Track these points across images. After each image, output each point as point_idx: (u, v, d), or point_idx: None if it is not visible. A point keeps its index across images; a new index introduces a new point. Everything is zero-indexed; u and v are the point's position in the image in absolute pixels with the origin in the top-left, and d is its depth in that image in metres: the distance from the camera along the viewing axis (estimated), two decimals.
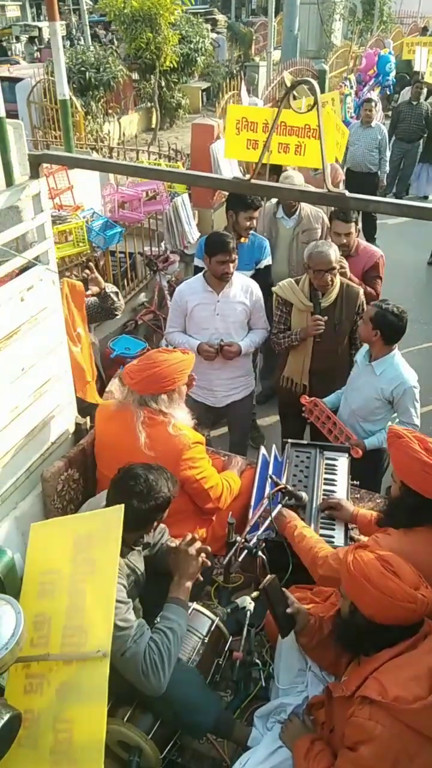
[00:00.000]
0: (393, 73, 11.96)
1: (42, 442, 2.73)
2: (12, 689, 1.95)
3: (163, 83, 12.90)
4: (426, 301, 6.89)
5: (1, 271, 2.35)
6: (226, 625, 2.38)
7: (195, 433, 2.72)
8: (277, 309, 3.71)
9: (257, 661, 2.35)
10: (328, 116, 4.96)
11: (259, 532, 2.46)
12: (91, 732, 1.77)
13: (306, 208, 4.44)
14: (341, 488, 2.78)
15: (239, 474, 2.99)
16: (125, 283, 5.58)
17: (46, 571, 2.07)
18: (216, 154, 5.64)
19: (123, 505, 1.99)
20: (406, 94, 9.83)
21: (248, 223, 3.97)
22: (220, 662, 2.35)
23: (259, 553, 2.45)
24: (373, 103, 7.82)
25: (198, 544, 2.31)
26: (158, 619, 2.16)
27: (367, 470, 3.18)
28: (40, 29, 21.36)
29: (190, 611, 2.28)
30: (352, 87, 10.47)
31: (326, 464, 2.89)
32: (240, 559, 2.44)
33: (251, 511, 2.69)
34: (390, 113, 10.07)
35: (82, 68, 11.22)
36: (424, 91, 9.09)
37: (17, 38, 21.83)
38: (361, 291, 3.61)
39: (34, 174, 2.42)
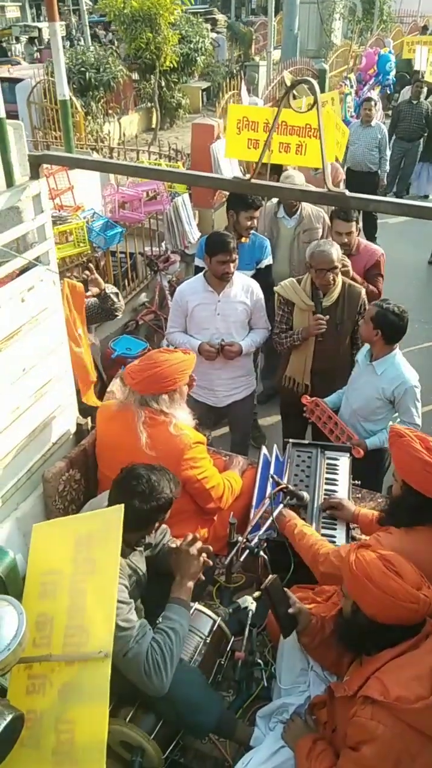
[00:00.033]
0: (393, 72, 11.93)
1: (43, 443, 2.73)
2: (14, 690, 1.95)
3: (163, 83, 12.90)
4: (427, 301, 6.89)
5: (1, 271, 2.35)
6: (228, 625, 2.38)
7: (196, 433, 2.72)
8: (279, 308, 3.70)
9: (259, 661, 2.35)
10: (328, 115, 4.96)
11: (261, 532, 2.45)
12: (93, 732, 1.77)
13: (307, 207, 4.44)
14: (342, 488, 2.78)
15: (240, 474, 2.99)
16: (126, 284, 5.59)
17: (48, 572, 2.07)
18: (216, 153, 5.64)
19: (123, 505, 1.99)
20: (406, 93, 9.83)
21: (249, 223, 3.96)
22: (222, 662, 2.35)
23: (261, 553, 2.45)
24: (372, 103, 7.82)
25: (199, 544, 2.31)
26: (160, 619, 2.16)
27: (368, 470, 3.17)
28: (39, 30, 21.36)
29: (192, 611, 2.28)
30: (352, 86, 10.45)
31: (327, 464, 2.89)
32: (241, 559, 2.44)
33: (252, 510, 2.69)
34: (390, 112, 10.07)
35: (82, 68, 11.23)
36: (424, 90, 9.09)
37: (17, 39, 21.80)
38: (363, 291, 3.61)
39: (35, 174, 2.42)
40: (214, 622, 2.33)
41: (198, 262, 4.06)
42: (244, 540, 2.44)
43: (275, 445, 3.02)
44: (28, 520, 2.51)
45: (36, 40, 21.52)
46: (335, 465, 2.90)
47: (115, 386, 3.10)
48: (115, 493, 2.22)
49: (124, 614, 2.02)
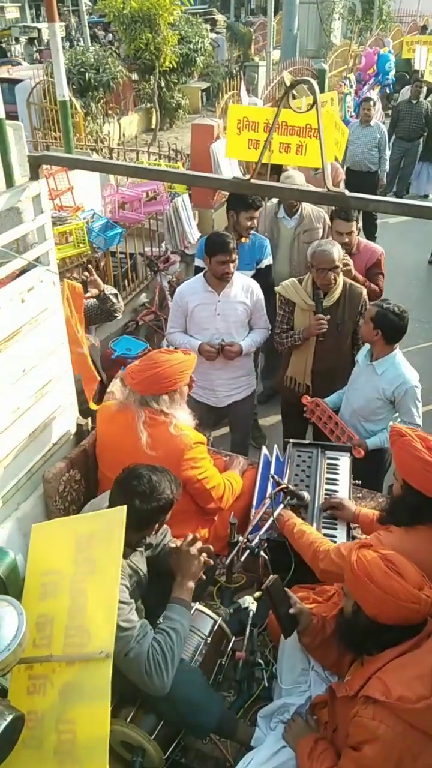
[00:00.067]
0: (393, 72, 11.96)
1: (43, 443, 2.73)
2: (15, 690, 1.95)
3: (162, 84, 12.90)
4: (427, 300, 6.89)
5: (1, 272, 2.35)
6: (229, 625, 2.38)
7: (196, 434, 2.72)
8: (280, 308, 3.70)
9: (260, 661, 2.34)
10: (328, 115, 4.97)
11: (261, 532, 2.45)
12: (95, 733, 1.77)
13: (307, 208, 4.44)
14: (343, 488, 2.78)
15: (241, 474, 2.98)
16: (126, 284, 5.58)
17: (48, 572, 2.07)
18: (216, 154, 5.64)
19: (125, 507, 1.99)
20: (405, 92, 9.83)
21: (249, 223, 3.97)
22: (223, 662, 2.35)
23: (261, 553, 2.45)
24: (371, 102, 7.82)
25: (199, 544, 2.31)
26: (161, 619, 2.16)
27: (369, 469, 3.17)
28: (39, 30, 21.36)
29: (192, 611, 2.28)
30: (351, 86, 10.46)
31: (328, 464, 2.89)
32: (242, 559, 2.44)
33: (253, 511, 2.69)
34: (390, 112, 10.07)
35: (82, 69, 11.22)
36: (424, 89, 9.08)
37: (17, 39, 21.81)
38: (365, 291, 3.61)
39: (34, 175, 2.42)
40: (215, 622, 2.33)
41: (198, 262, 4.06)
42: (245, 540, 2.44)
43: (275, 445, 3.02)
44: (29, 520, 2.51)
45: (35, 41, 21.53)
46: (336, 465, 2.90)
47: (115, 387, 3.10)
48: (117, 492, 2.23)
49: (125, 614, 2.02)
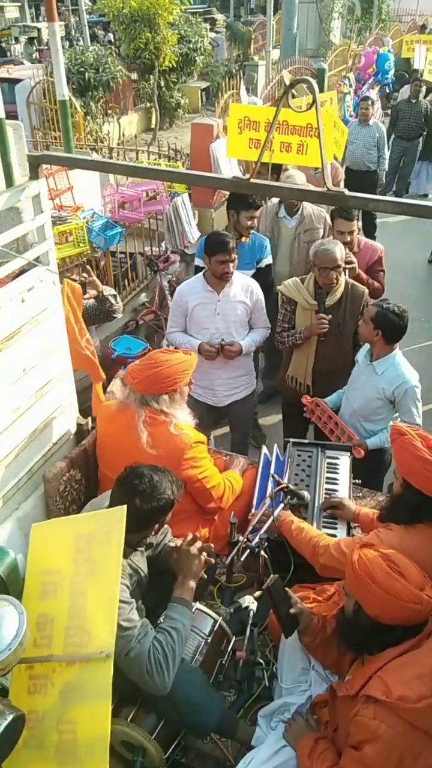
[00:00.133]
0: (392, 72, 11.93)
1: (44, 443, 2.73)
2: (16, 690, 1.95)
3: (162, 83, 12.91)
4: (427, 300, 6.89)
5: (1, 272, 2.35)
6: (229, 624, 2.38)
7: (196, 433, 2.72)
8: (282, 307, 3.70)
9: (260, 660, 2.34)
10: (327, 114, 4.97)
11: (262, 532, 2.45)
12: (95, 732, 1.77)
13: (308, 207, 4.44)
14: (343, 487, 2.78)
15: (241, 473, 2.98)
16: (126, 284, 5.58)
17: (47, 572, 2.07)
18: (216, 153, 5.63)
19: (125, 506, 1.99)
20: (405, 92, 9.83)
21: (249, 223, 3.97)
22: (224, 662, 2.35)
23: (262, 552, 2.45)
24: (370, 102, 7.82)
25: (199, 543, 2.31)
26: (162, 618, 2.16)
27: (369, 469, 3.17)
28: (39, 30, 21.35)
29: (193, 611, 2.28)
30: (351, 85, 10.45)
31: (328, 463, 2.89)
32: (242, 559, 2.44)
33: (253, 510, 2.69)
34: (389, 111, 10.07)
35: (82, 69, 11.22)
36: (423, 88, 9.08)
37: (16, 39, 21.79)
38: (366, 291, 3.61)
39: (34, 175, 2.42)
40: (216, 621, 2.33)
41: (198, 262, 4.06)
42: (245, 539, 2.44)
43: (276, 445, 3.02)
44: (29, 520, 2.51)
45: (35, 41, 21.51)
46: (336, 464, 2.90)
47: (115, 386, 3.10)
48: (118, 491, 2.23)
49: (125, 614, 2.02)
